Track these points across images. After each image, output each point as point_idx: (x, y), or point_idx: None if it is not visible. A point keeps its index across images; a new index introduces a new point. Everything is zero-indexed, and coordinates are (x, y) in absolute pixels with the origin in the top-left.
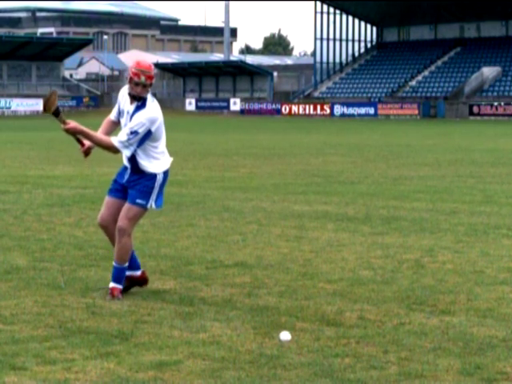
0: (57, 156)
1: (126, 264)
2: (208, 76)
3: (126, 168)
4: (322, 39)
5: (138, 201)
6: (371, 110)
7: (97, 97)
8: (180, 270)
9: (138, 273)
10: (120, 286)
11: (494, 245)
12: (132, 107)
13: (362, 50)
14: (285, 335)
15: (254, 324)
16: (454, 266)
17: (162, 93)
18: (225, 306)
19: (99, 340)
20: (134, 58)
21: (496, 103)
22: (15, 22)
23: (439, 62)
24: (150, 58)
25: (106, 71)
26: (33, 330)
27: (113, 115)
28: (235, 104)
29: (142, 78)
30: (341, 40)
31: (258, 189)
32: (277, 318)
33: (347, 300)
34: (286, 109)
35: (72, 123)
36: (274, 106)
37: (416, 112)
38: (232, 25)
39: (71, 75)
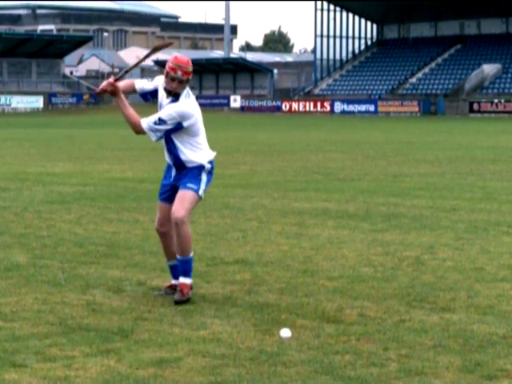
0: (57, 153)
1: (191, 254)
2: (208, 73)
3: (170, 167)
4: (322, 36)
5: (190, 185)
6: (371, 107)
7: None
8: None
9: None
10: (190, 281)
11: (494, 242)
12: (167, 101)
13: (363, 47)
14: (285, 332)
15: (254, 321)
16: (454, 263)
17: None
18: (225, 303)
19: (99, 337)
20: (134, 55)
21: (496, 100)
22: (15, 19)
23: (439, 59)
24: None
25: (106, 68)
26: (33, 327)
27: (139, 85)
28: (235, 101)
29: (179, 73)
30: (341, 37)
31: (258, 186)
32: (277, 315)
33: (347, 297)
34: (286, 106)
35: (120, 86)
36: (274, 103)
37: (416, 109)
38: (232, 22)
39: (71, 72)
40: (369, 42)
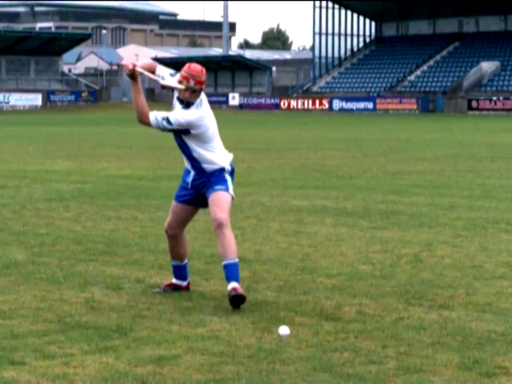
0: (55, 151)
1: (237, 258)
2: (207, 71)
3: (188, 170)
4: (320, 34)
5: (218, 186)
6: (370, 105)
7: (95, 91)
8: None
9: (185, 284)
10: (237, 284)
11: (492, 239)
12: (179, 106)
13: (361, 44)
14: (284, 330)
15: (252, 319)
16: (452, 261)
17: (161, 88)
18: (224, 301)
19: (98, 335)
20: (133, 52)
21: (495, 98)
22: (14, 17)
23: (438, 57)
24: (148, 53)
25: (104, 66)
26: (31, 325)
27: (160, 72)
28: (234, 99)
29: (192, 83)
30: (339, 35)
31: (256, 184)
32: (276, 313)
33: (346, 294)
34: (284, 103)
35: (139, 69)
36: (272, 101)
37: (415, 107)
38: (231, 19)
39: (70, 70)
40: (367, 40)
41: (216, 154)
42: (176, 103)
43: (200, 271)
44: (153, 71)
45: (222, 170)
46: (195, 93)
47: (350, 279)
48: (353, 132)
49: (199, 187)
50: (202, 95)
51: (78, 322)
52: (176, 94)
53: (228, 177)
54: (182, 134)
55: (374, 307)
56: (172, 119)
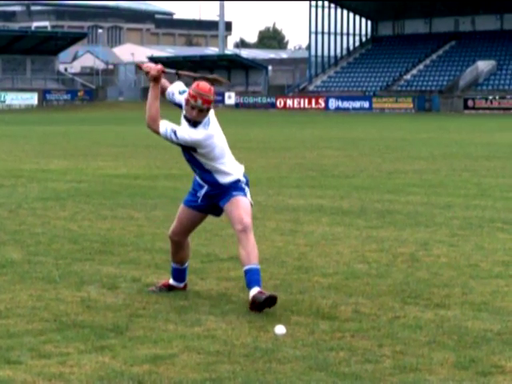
0: (51, 150)
1: (258, 264)
2: (203, 70)
3: (201, 185)
4: (316, 33)
5: (236, 192)
6: (366, 104)
7: (91, 91)
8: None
9: (181, 285)
10: (259, 289)
11: (488, 238)
12: (186, 124)
13: (357, 43)
14: (280, 329)
15: (248, 318)
16: (448, 260)
17: None
18: (220, 300)
19: (94, 334)
20: (129, 51)
21: (491, 97)
22: (10, 16)
23: (434, 56)
24: (144, 52)
25: (100, 65)
26: (28, 324)
27: (170, 89)
28: (230, 98)
29: (199, 102)
30: (336, 34)
31: (252, 183)
32: (272, 312)
33: (342, 294)
34: (280, 102)
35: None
36: (268, 100)
37: (411, 106)
38: (227, 18)
39: (66, 69)
40: (363, 39)
41: (230, 170)
42: (183, 121)
43: (196, 270)
44: (163, 90)
45: (238, 181)
46: (202, 112)
47: (346, 278)
48: (349, 131)
49: (213, 199)
50: (211, 112)
51: (74, 321)
52: (183, 112)
53: (245, 186)
54: (190, 151)
55: (370, 306)
56: (179, 134)
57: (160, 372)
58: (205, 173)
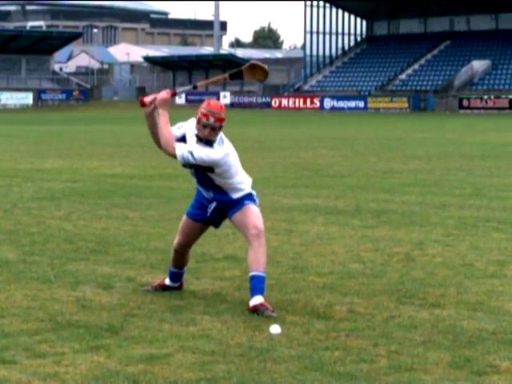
0: (46, 150)
1: (265, 272)
2: (198, 69)
3: (209, 201)
4: (311, 32)
5: (247, 201)
6: (361, 104)
7: (86, 90)
8: (170, 264)
9: (177, 284)
10: (263, 298)
11: (483, 238)
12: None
13: (352, 43)
14: (275, 329)
15: (243, 317)
16: (443, 260)
17: (152, 86)
18: (215, 300)
19: (89, 333)
20: (124, 51)
21: (486, 96)
22: (5, 16)
23: (429, 56)
24: (139, 52)
25: (95, 65)
26: (23, 324)
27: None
28: (225, 97)
29: (211, 120)
30: (331, 33)
31: None
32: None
33: (337, 293)
34: (275, 102)
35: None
36: (263, 100)
37: (406, 105)
38: (222, 18)
39: (61, 69)
40: (358, 39)
41: (242, 183)
42: (192, 141)
43: (191, 270)
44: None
45: (250, 194)
46: (215, 130)
47: (341, 278)
48: (344, 131)
49: (222, 212)
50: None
51: (69, 320)
52: (194, 131)
53: (255, 198)
54: (205, 171)
55: (365, 306)
56: (196, 155)
57: (155, 372)
58: (218, 191)
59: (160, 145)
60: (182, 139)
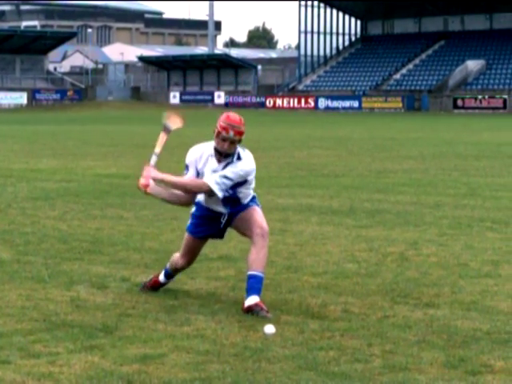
0: (41, 149)
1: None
2: (192, 69)
3: (222, 215)
4: (306, 32)
5: (251, 203)
6: (355, 103)
7: (81, 90)
8: (164, 264)
9: (170, 281)
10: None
11: (477, 238)
12: (222, 165)
13: (347, 43)
14: (269, 328)
15: (238, 317)
16: (438, 259)
17: (147, 86)
18: (209, 300)
19: (83, 333)
20: (119, 51)
21: (480, 96)
22: None
23: (423, 56)
24: (134, 51)
25: (90, 64)
26: (17, 324)
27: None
28: (219, 97)
29: (231, 133)
30: (325, 33)
31: None
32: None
33: (331, 293)
34: (270, 102)
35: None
36: (258, 99)
37: (400, 105)
38: (216, 18)
39: (55, 68)
40: (353, 38)
41: (252, 189)
42: (210, 163)
43: (186, 270)
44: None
45: (254, 197)
46: (234, 144)
47: (335, 278)
48: (338, 130)
49: (230, 219)
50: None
51: (64, 320)
52: (208, 153)
53: (257, 200)
54: (237, 186)
55: (360, 306)
56: (231, 175)
57: (149, 371)
58: (235, 203)
59: (190, 198)
60: (198, 173)
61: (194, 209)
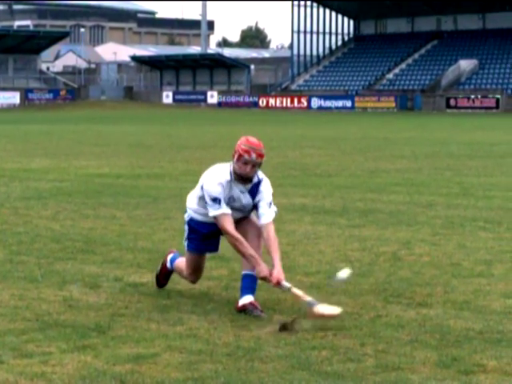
0: (34, 149)
1: None
2: (185, 69)
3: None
4: (299, 32)
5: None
6: (348, 103)
7: (74, 90)
8: (157, 263)
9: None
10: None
11: (470, 237)
12: (247, 188)
13: (339, 42)
14: (344, 272)
15: (231, 317)
16: (430, 259)
17: (139, 86)
18: (202, 299)
19: (76, 333)
20: (111, 50)
21: (473, 96)
22: None
23: (416, 55)
24: (127, 51)
25: (82, 64)
26: (9, 324)
27: (227, 210)
28: (212, 97)
29: (253, 156)
30: (318, 33)
31: None
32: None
33: (324, 293)
34: (263, 102)
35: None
36: (251, 99)
37: (393, 105)
38: (209, 17)
39: (48, 68)
40: (346, 38)
41: None
42: (232, 181)
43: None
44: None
45: None
46: (255, 167)
47: (328, 277)
48: (331, 130)
49: None
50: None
51: (56, 320)
52: (224, 169)
53: None
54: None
55: (353, 305)
56: (271, 196)
57: (142, 371)
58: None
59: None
60: (229, 199)
61: (190, 231)
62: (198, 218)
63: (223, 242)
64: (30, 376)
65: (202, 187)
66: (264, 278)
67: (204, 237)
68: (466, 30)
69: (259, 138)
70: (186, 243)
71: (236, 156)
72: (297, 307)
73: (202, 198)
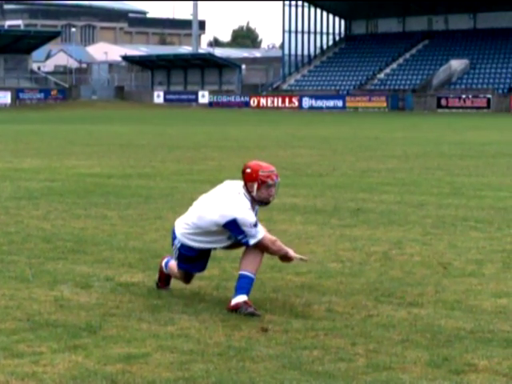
0: (25, 149)
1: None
2: (176, 69)
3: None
4: (290, 32)
5: None
6: (339, 103)
7: (65, 89)
8: (148, 263)
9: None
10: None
11: (461, 237)
12: (256, 209)
13: (331, 42)
14: None
15: (222, 317)
16: (421, 258)
17: (130, 86)
18: (193, 299)
19: (67, 333)
20: (102, 50)
21: (464, 96)
22: None
23: (407, 55)
24: (118, 51)
25: (74, 64)
26: (0, 324)
27: (262, 228)
28: (203, 97)
29: (275, 179)
30: (309, 33)
31: None
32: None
33: (315, 292)
34: (254, 101)
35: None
36: (242, 99)
37: (384, 104)
38: (200, 17)
39: (39, 68)
40: (337, 38)
41: None
42: (253, 207)
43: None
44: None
45: None
46: (275, 187)
47: (319, 277)
48: (322, 130)
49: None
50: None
51: (47, 320)
52: (241, 195)
53: None
54: None
55: (344, 305)
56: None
57: (133, 371)
58: None
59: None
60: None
61: (180, 256)
62: (190, 243)
63: None
64: (20, 376)
65: (232, 221)
66: (287, 258)
67: (194, 259)
68: (457, 30)
69: (251, 139)
70: (176, 261)
71: (257, 184)
72: (288, 307)
73: (210, 231)
